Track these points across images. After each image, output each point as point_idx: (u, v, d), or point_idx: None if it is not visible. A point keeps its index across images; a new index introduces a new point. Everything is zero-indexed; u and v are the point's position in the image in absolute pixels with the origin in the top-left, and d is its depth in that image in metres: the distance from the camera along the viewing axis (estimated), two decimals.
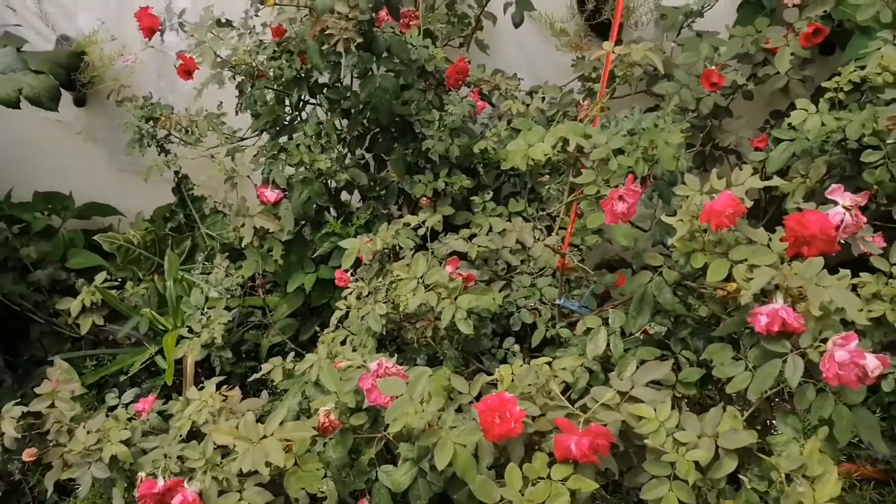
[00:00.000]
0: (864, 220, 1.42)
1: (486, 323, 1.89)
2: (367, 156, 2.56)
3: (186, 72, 2.33)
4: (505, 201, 2.26)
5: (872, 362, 1.17)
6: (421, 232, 1.98)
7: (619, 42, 2.70)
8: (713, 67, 2.17)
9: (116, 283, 2.44)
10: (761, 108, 2.56)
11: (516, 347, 1.85)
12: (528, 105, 2.37)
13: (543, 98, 2.34)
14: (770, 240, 1.34)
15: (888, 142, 1.73)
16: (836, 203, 1.40)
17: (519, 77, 2.67)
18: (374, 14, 2.07)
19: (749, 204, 1.33)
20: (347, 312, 1.80)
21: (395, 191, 2.41)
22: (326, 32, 1.91)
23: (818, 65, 2.44)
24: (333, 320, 1.83)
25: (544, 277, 2.01)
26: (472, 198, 2.24)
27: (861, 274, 1.86)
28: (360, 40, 1.89)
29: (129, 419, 1.64)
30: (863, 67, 1.80)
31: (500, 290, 2.02)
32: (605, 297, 1.96)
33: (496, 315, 1.96)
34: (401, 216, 2.34)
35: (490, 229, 2.09)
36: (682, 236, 1.36)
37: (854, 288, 1.90)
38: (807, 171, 2.03)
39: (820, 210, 1.39)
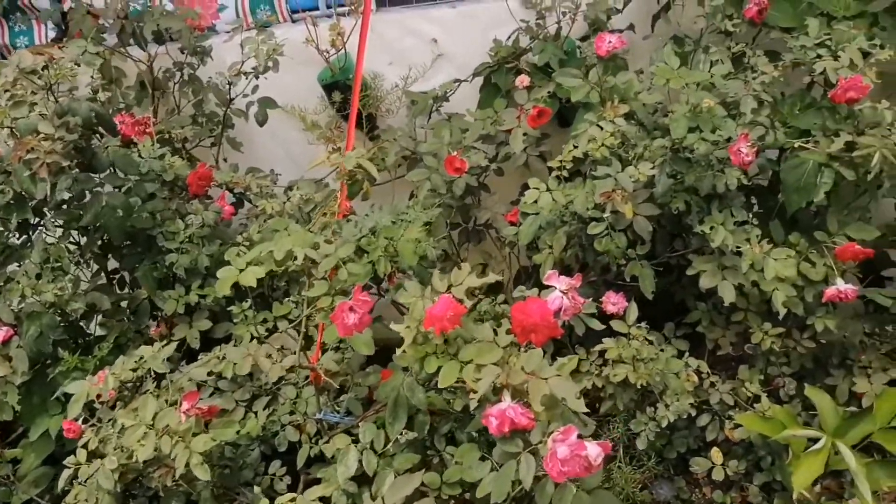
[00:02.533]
0: (582, 301, 1.48)
1: (248, 451, 1.74)
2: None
3: None
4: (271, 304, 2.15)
5: (594, 451, 1.19)
6: (165, 355, 1.80)
7: (372, 130, 2.75)
8: (455, 153, 2.24)
9: None
10: (514, 181, 2.69)
11: (282, 471, 1.72)
12: (285, 202, 2.30)
13: (299, 195, 2.28)
14: (497, 334, 1.35)
15: (605, 215, 1.85)
16: (554, 288, 1.46)
17: (277, 173, 2.61)
18: (94, 130, 1.91)
19: (469, 304, 1.33)
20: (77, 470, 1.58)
21: (146, 308, 2.22)
22: (28, 157, 1.72)
23: (558, 136, 2.62)
24: (62, 481, 1.59)
25: (310, 386, 1.91)
26: (229, 308, 2.10)
27: (603, 339, 1.97)
28: (65, 164, 1.72)
29: None
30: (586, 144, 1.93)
31: (265, 407, 1.89)
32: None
33: (262, 437, 1.82)
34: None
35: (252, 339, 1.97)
36: (411, 342, 1.33)
37: (602, 354, 2.01)
38: (552, 242, 2.14)
39: (540, 296, 1.43)
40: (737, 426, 2.06)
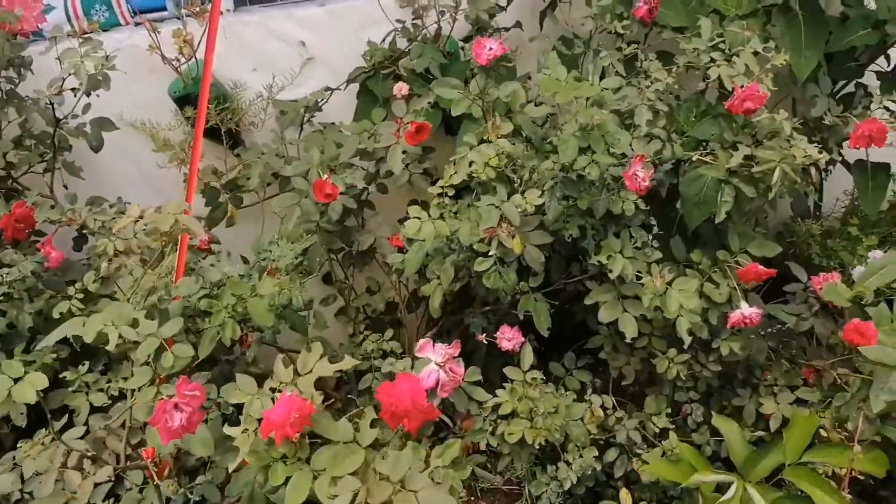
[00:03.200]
0: (461, 371, 1.26)
1: None
2: None
3: None
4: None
5: None
6: None
7: (236, 147, 2.43)
8: (325, 176, 1.97)
9: None
10: (402, 196, 2.44)
11: None
12: (130, 238, 1.97)
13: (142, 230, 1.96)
14: (358, 430, 1.12)
15: (490, 253, 1.64)
16: (429, 359, 1.23)
17: (126, 201, 2.26)
18: None
19: (318, 403, 1.09)
20: None
21: None
22: None
23: (446, 146, 2.38)
24: None
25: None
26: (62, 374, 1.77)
27: (497, 392, 1.77)
28: None
29: None
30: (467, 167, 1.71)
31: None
32: None
33: None
34: None
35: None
36: (250, 450, 1.08)
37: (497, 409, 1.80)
38: (440, 272, 1.92)
39: (413, 372, 1.20)
40: (644, 462, 1.92)
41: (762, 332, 2.06)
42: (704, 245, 2.03)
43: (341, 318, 2.34)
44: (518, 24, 2.36)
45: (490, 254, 1.62)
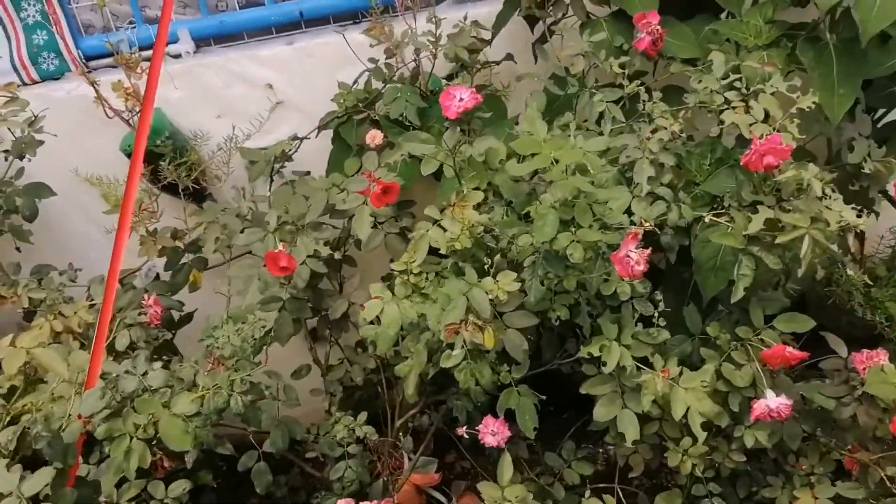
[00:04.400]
0: None
1: None
2: None
3: None
4: None
5: None
6: None
7: (202, 201, 2.21)
8: (280, 246, 1.73)
9: None
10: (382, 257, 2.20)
11: None
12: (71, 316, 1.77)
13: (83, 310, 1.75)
14: None
15: (455, 352, 1.37)
16: None
17: (77, 268, 2.07)
18: None
19: None
20: None
21: None
22: None
23: (429, 195, 2.12)
24: None
25: None
26: None
27: None
28: None
29: None
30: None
31: None
32: None
33: None
34: None
35: None
36: None
37: None
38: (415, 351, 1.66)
39: None
40: None
41: (795, 414, 1.76)
42: (725, 313, 1.75)
43: (316, 393, 2.10)
44: (510, 57, 2.09)
45: (455, 352, 1.36)
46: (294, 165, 2.19)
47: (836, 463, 1.78)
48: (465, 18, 1.93)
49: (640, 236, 1.28)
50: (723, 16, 1.88)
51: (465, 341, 1.33)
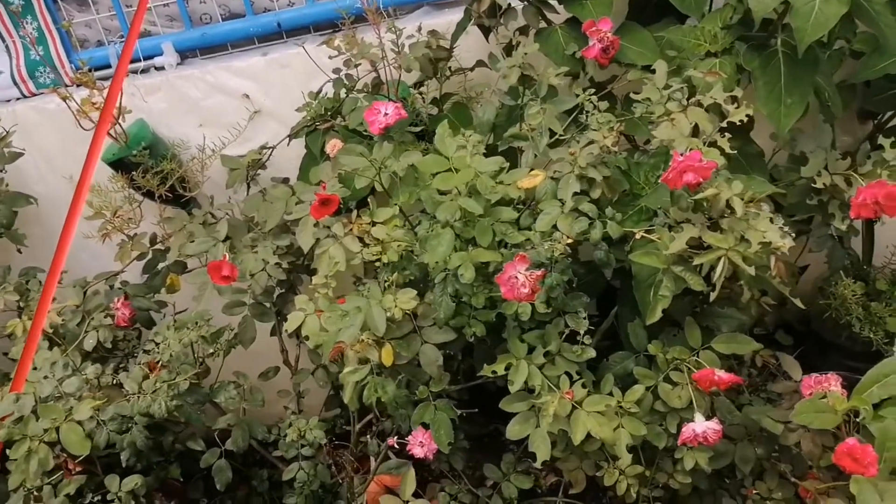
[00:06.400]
0: None
1: None
2: None
3: None
4: None
5: None
6: None
7: (186, 206, 2.30)
8: (224, 255, 1.79)
9: None
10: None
11: None
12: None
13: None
14: None
15: (350, 368, 1.39)
16: None
17: (64, 270, 2.19)
18: None
19: None
20: None
21: None
22: None
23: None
24: None
25: None
26: None
27: None
28: None
29: None
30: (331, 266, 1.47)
31: None
32: None
33: None
34: None
35: None
36: None
37: None
38: None
39: None
40: None
41: (749, 437, 1.69)
42: (673, 332, 1.69)
43: (284, 394, 2.16)
44: (482, 63, 2.07)
45: (347, 368, 1.37)
46: (274, 172, 2.25)
47: (794, 487, 1.70)
48: (420, 29, 1.93)
49: (526, 258, 1.25)
50: (689, 21, 1.82)
51: (355, 362, 1.34)
